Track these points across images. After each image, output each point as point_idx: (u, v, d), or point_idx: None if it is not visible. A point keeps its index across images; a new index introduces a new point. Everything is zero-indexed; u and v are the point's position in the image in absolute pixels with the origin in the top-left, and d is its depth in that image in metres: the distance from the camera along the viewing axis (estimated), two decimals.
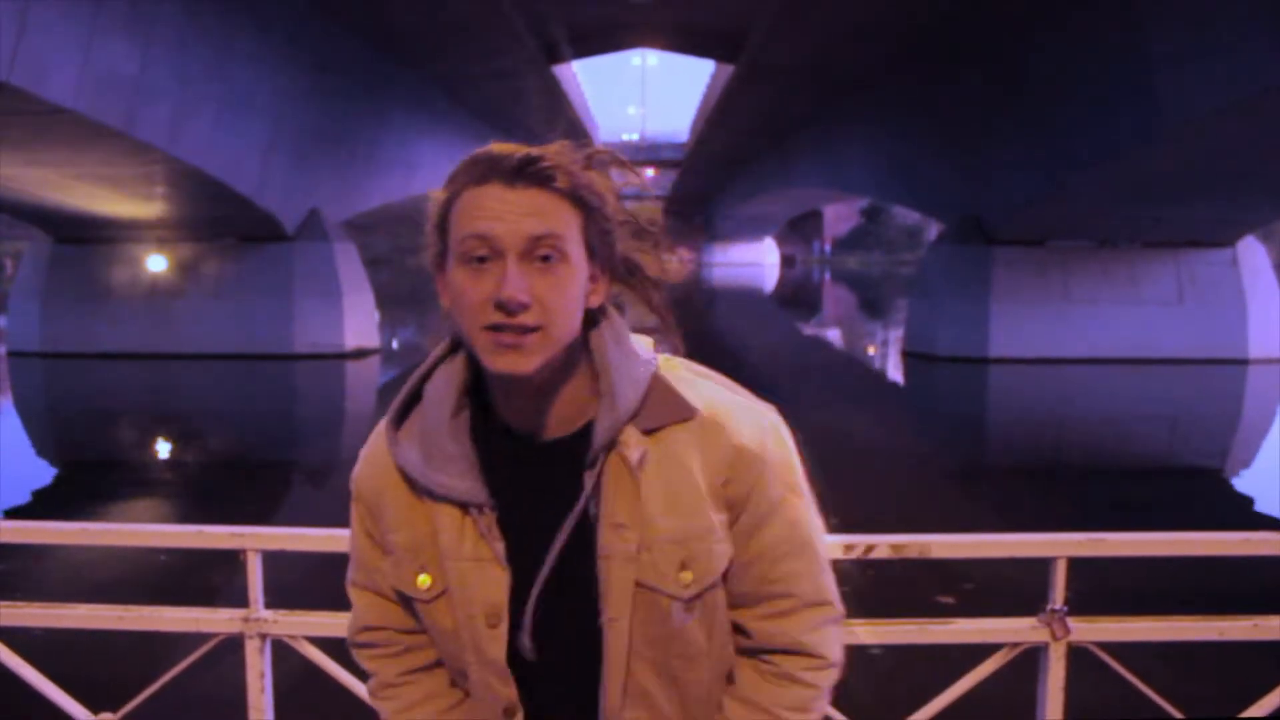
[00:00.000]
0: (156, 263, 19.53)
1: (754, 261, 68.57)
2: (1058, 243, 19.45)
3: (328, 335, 19.24)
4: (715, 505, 1.23)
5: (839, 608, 1.32)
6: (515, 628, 1.23)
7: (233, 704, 2.32)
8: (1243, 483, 10.95)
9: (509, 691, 1.26)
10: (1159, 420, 15.05)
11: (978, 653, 2.24)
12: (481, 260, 1.15)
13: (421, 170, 27.37)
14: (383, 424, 1.32)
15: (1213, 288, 19.28)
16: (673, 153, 61.24)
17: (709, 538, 1.22)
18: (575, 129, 39.68)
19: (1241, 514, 9.13)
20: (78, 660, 3.08)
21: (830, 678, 1.32)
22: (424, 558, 1.25)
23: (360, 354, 19.65)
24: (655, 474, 1.20)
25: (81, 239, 19.51)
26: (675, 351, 1.31)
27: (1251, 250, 19.69)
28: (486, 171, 1.16)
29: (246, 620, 2.23)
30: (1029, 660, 2.25)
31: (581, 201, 1.18)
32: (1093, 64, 15.06)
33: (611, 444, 1.20)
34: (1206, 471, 11.65)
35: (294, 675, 2.43)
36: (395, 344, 24.79)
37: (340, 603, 2.43)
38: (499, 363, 1.15)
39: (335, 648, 2.30)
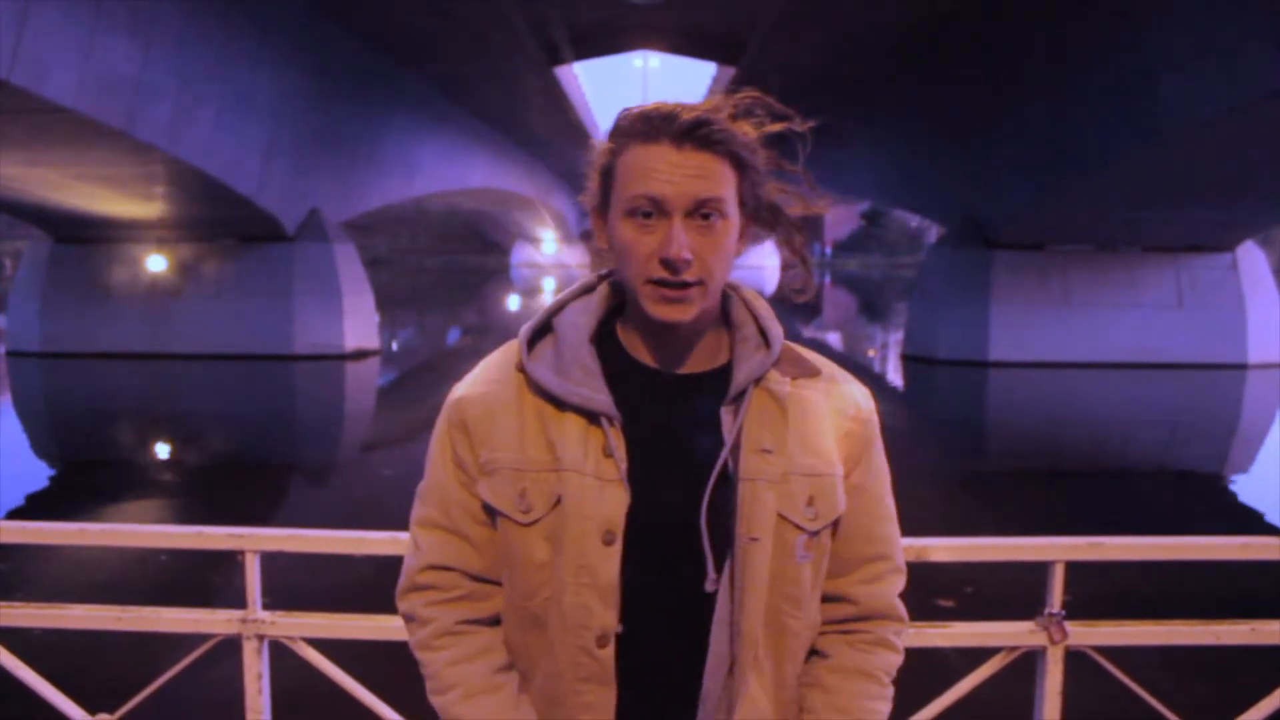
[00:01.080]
0: (156, 263, 19.52)
1: (755, 264, 68.55)
2: (1058, 246, 19.46)
3: (327, 336, 19.23)
4: (839, 443, 1.31)
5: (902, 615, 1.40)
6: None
7: (230, 705, 2.32)
8: (1241, 487, 10.95)
9: (610, 617, 1.24)
10: (1158, 425, 15.05)
11: (976, 656, 2.24)
12: (648, 216, 1.22)
13: (422, 171, 27.37)
14: (499, 353, 1.35)
15: (1212, 292, 19.28)
16: None
17: (834, 478, 1.29)
18: (576, 131, 39.70)
19: (1240, 519, 9.13)
20: (75, 661, 3.08)
21: (901, 649, 1.39)
22: (529, 479, 1.26)
23: (360, 355, 19.64)
24: (795, 412, 1.28)
25: (81, 239, 19.50)
26: (808, 290, 1.39)
27: (1251, 255, 19.69)
28: (657, 130, 1.22)
29: (244, 621, 2.23)
30: (1027, 663, 2.25)
31: (740, 161, 1.25)
32: (1093, 68, 15.07)
33: (759, 380, 1.27)
34: (1205, 476, 11.64)
35: (292, 676, 2.43)
36: (395, 345, 24.80)
37: (337, 605, 2.43)
38: (663, 312, 1.22)
39: (333, 649, 2.31)
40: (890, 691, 1.36)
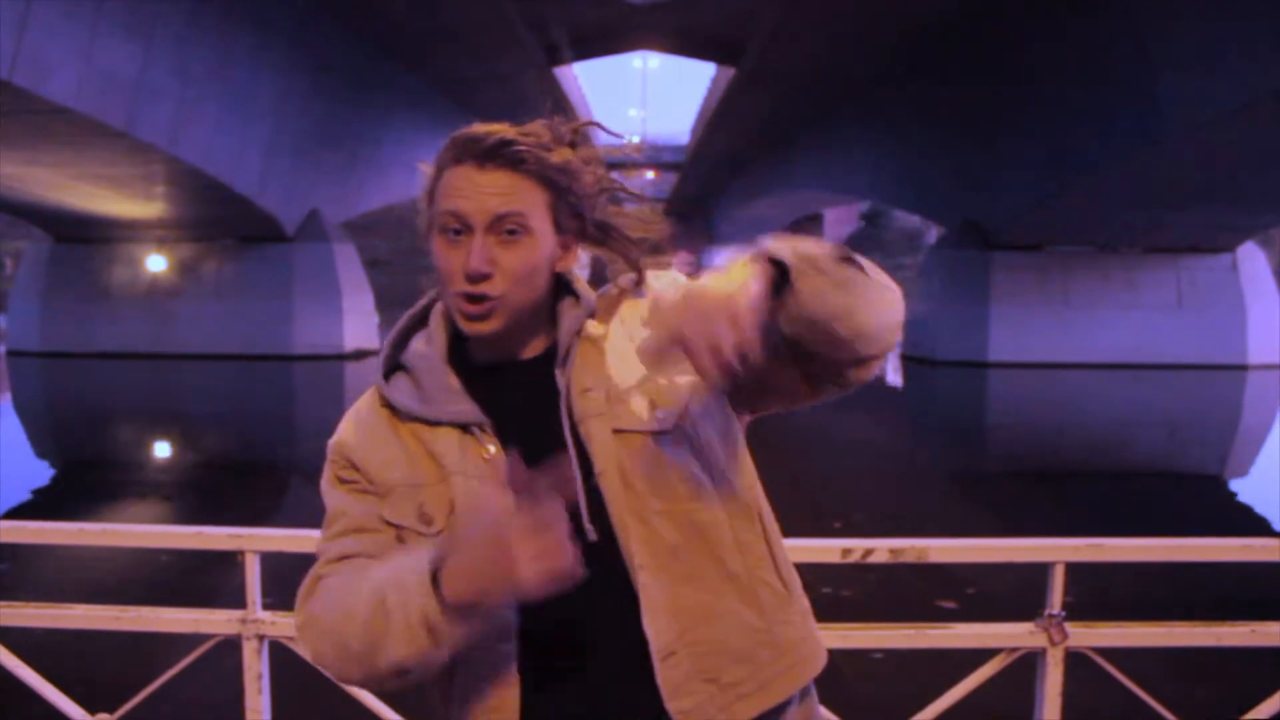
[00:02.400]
0: (156, 263, 19.53)
1: None
2: (1057, 247, 19.46)
3: (327, 336, 19.23)
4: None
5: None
6: None
7: (230, 705, 2.32)
8: (1241, 488, 10.95)
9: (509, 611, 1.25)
10: (1158, 425, 15.05)
11: (977, 657, 2.24)
12: (456, 233, 1.27)
13: (422, 171, 27.33)
14: (362, 399, 1.39)
15: (1212, 293, 19.28)
16: (673, 155, 61.14)
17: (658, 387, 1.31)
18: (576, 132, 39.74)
19: (1240, 519, 9.12)
20: (75, 661, 3.08)
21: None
22: (424, 494, 1.30)
23: (359, 355, 19.63)
24: (615, 341, 1.33)
25: (81, 239, 19.51)
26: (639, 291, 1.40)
27: (1251, 256, 19.70)
28: (462, 153, 1.28)
29: (244, 621, 2.23)
30: (1027, 665, 2.25)
31: (549, 181, 1.29)
32: (1094, 69, 15.07)
33: (578, 333, 1.33)
34: (1205, 477, 11.64)
35: (292, 676, 2.43)
36: None
37: None
38: (469, 327, 1.28)
39: None
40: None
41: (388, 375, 1.36)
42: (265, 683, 2.26)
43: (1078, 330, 19.00)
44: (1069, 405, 16.45)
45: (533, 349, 1.35)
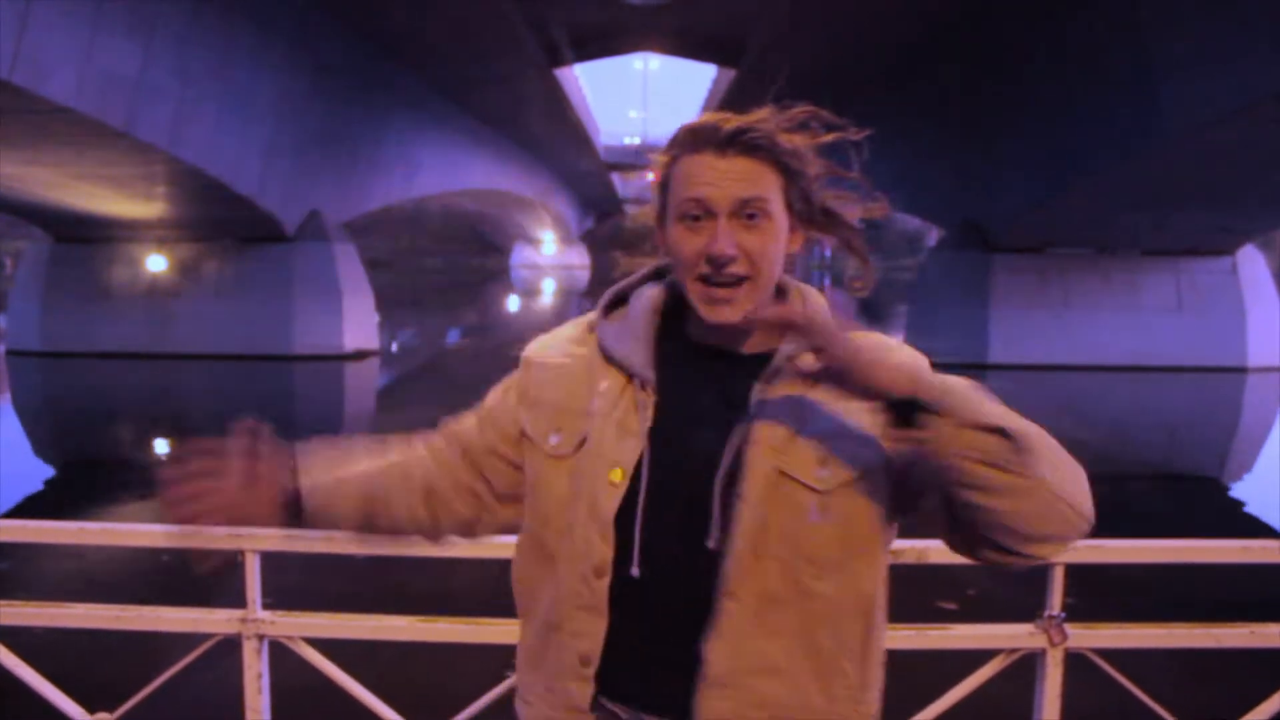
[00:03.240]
0: (156, 263, 19.52)
1: None
2: (1057, 250, 19.46)
3: (327, 337, 19.22)
4: (869, 420, 1.31)
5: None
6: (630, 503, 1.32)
7: (230, 705, 2.32)
8: (1241, 491, 10.95)
9: (606, 550, 1.32)
10: (1158, 428, 15.05)
11: (977, 658, 2.24)
12: (696, 219, 1.32)
13: (422, 172, 27.36)
14: (580, 317, 1.49)
15: (1212, 296, 19.28)
16: None
17: (854, 439, 1.32)
18: (576, 132, 39.62)
19: (1239, 522, 9.13)
20: (75, 660, 3.08)
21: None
22: (564, 420, 1.38)
23: (360, 356, 19.63)
24: (819, 386, 1.31)
25: (81, 239, 19.50)
26: (868, 285, 1.48)
27: (1251, 258, 19.70)
28: (701, 141, 1.33)
29: (244, 621, 2.23)
30: (1027, 666, 2.25)
31: (783, 166, 1.34)
32: (1095, 71, 15.07)
33: (791, 358, 1.34)
34: (1205, 480, 11.65)
35: (292, 676, 2.43)
36: (395, 346, 24.79)
37: (336, 605, 2.43)
38: (711, 314, 1.32)
39: (333, 649, 2.31)
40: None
41: (609, 309, 1.45)
42: (265, 682, 2.26)
43: (1077, 332, 19.00)
44: (1069, 407, 16.45)
45: (754, 344, 1.37)
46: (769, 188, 1.32)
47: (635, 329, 1.39)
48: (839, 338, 1.22)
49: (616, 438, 1.33)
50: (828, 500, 1.31)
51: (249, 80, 16.86)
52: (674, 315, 1.41)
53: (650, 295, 1.42)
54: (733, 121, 1.33)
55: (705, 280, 1.31)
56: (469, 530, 1.53)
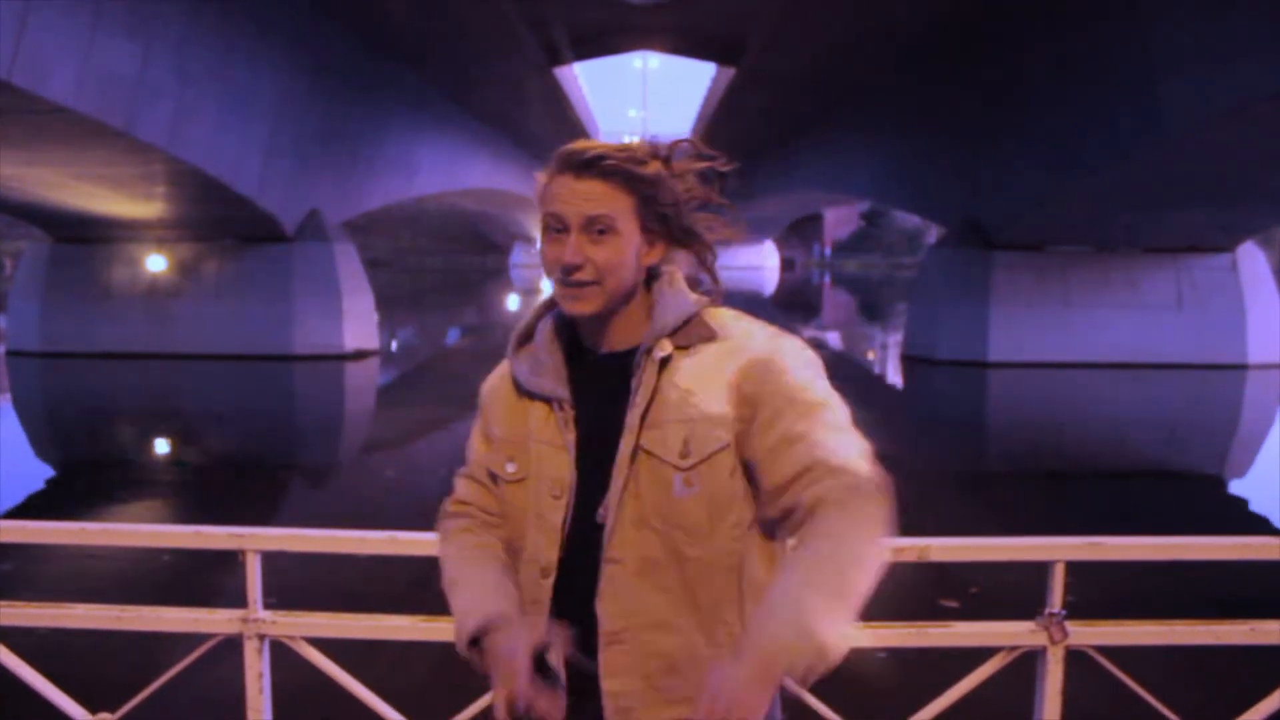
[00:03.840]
0: (156, 263, 19.52)
1: (754, 265, 68.54)
2: (1057, 247, 19.45)
3: (327, 336, 19.22)
4: (730, 401, 1.51)
5: (868, 450, 1.51)
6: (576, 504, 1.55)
7: (231, 705, 2.32)
8: (1241, 488, 10.96)
9: (552, 554, 1.55)
10: (1158, 425, 15.06)
11: (979, 656, 2.24)
12: (557, 231, 1.53)
13: (422, 171, 27.36)
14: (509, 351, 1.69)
15: (1212, 293, 19.27)
16: None
17: (710, 423, 1.50)
18: (576, 131, 39.70)
19: (1239, 519, 9.13)
20: (77, 660, 3.08)
21: (877, 502, 1.44)
22: (514, 449, 1.61)
23: (360, 355, 19.64)
24: (680, 375, 1.53)
25: (81, 239, 19.50)
26: (717, 301, 1.64)
27: (1251, 255, 19.69)
28: (565, 165, 1.53)
29: (245, 621, 2.23)
30: (1028, 664, 2.25)
31: (635, 189, 1.52)
32: (1095, 69, 15.07)
33: (649, 351, 1.54)
34: (1205, 477, 11.66)
35: (293, 676, 2.43)
36: (395, 345, 24.80)
37: (338, 604, 2.43)
38: (567, 306, 1.55)
39: (334, 648, 2.31)
40: (856, 538, 1.40)
41: (520, 345, 1.65)
42: (266, 682, 2.26)
43: (1078, 330, 18.99)
44: (1069, 405, 16.46)
45: (623, 342, 1.58)
46: (617, 207, 1.51)
47: (543, 357, 1.60)
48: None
49: (551, 455, 1.56)
50: (691, 475, 1.50)
51: (249, 80, 16.87)
52: (575, 334, 1.62)
53: (547, 325, 1.62)
54: (596, 149, 1.51)
55: (562, 283, 1.52)
56: None
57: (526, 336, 1.65)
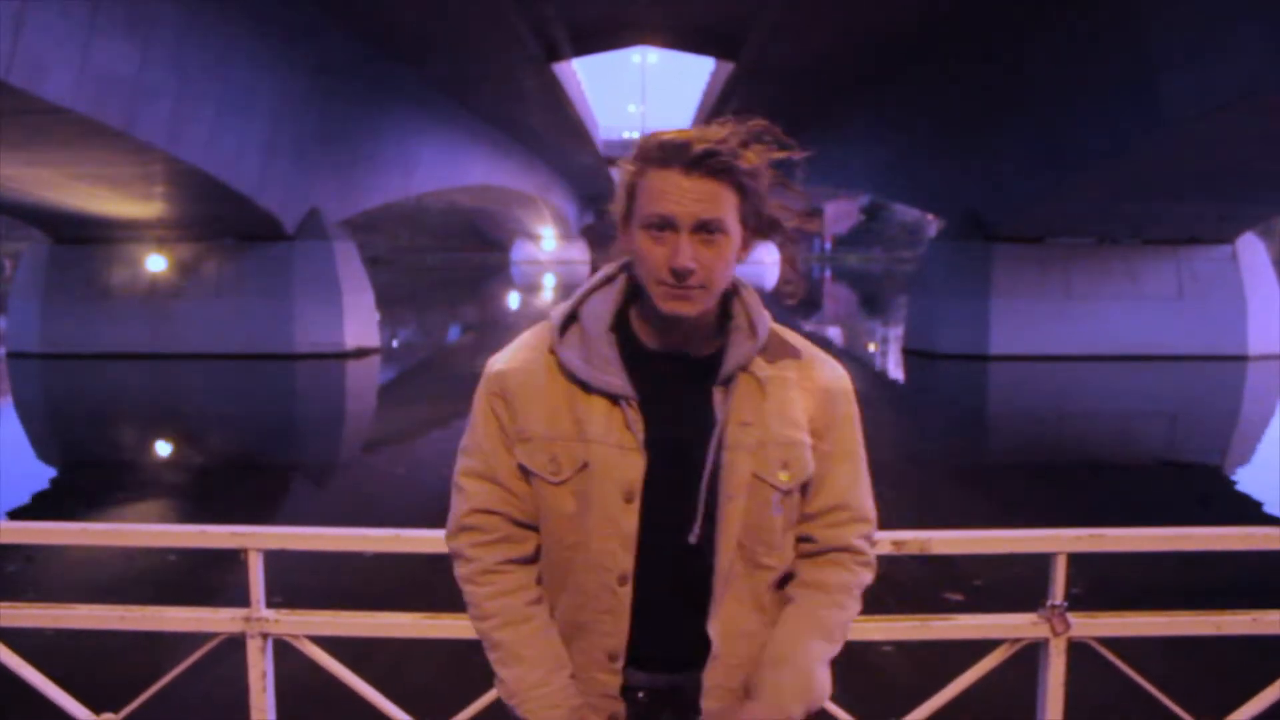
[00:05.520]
0: (156, 263, 19.51)
1: (755, 259, 68.30)
2: (1058, 240, 19.43)
3: (328, 335, 19.22)
4: (809, 427, 1.57)
5: (874, 525, 1.65)
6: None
7: (235, 703, 2.32)
8: (1242, 478, 10.96)
9: (628, 561, 1.51)
10: (1159, 416, 15.05)
11: (984, 648, 2.24)
12: (660, 229, 1.46)
13: (421, 169, 27.33)
14: (533, 334, 1.61)
15: (1212, 284, 19.26)
16: None
17: (803, 448, 1.55)
18: (575, 127, 39.49)
19: (1241, 509, 9.13)
20: (80, 661, 3.08)
21: (867, 575, 1.63)
22: (558, 447, 1.52)
23: (360, 353, 19.64)
24: (774, 393, 1.54)
25: (81, 239, 19.49)
26: (798, 293, 1.72)
27: (1251, 247, 19.68)
28: (671, 158, 1.46)
29: (248, 620, 2.24)
30: (1032, 655, 2.25)
31: (741, 186, 1.48)
32: (1094, 62, 15.05)
33: (744, 367, 1.53)
34: (1206, 467, 11.65)
35: (297, 674, 2.44)
36: (395, 343, 24.78)
37: (341, 603, 2.44)
38: (671, 307, 1.48)
39: (337, 647, 2.31)
40: (848, 602, 1.60)
41: (564, 328, 1.56)
42: (270, 681, 2.27)
43: (1079, 322, 18.98)
44: (1070, 397, 16.46)
45: (701, 348, 1.55)
46: (727, 208, 1.46)
47: (599, 349, 1.52)
48: None
49: (619, 457, 1.50)
50: (785, 497, 1.55)
51: (247, 79, 16.85)
52: (620, 325, 1.56)
53: (601, 314, 1.55)
54: (700, 143, 1.44)
55: (670, 286, 1.46)
56: None
57: (571, 321, 1.57)
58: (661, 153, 1.46)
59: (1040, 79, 16.67)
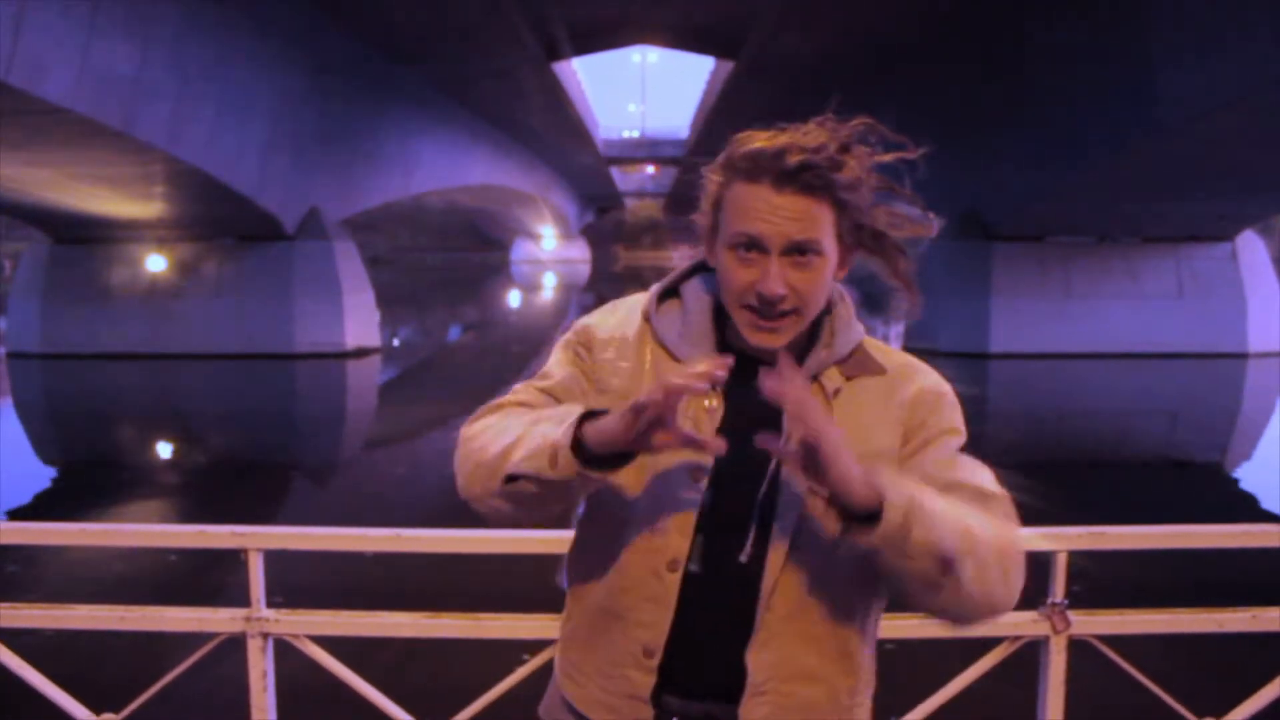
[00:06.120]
0: (156, 263, 19.52)
1: None
2: (1058, 238, 19.45)
3: (328, 334, 19.23)
4: (899, 432, 1.40)
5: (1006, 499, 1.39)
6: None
7: (236, 703, 2.32)
8: (1242, 476, 10.96)
9: (684, 545, 1.37)
10: (1159, 414, 15.06)
11: (985, 646, 2.24)
12: (748, 249, 1.32)
13: (421, 168, 27.33)
14: (628, 300, 1.51)
15: (1212, 282, 19.28)
16: (673, 149, 61.09)
17: (880, 459, 1.34)
18: (575, 126, 39.52)
19: (1240, 506, 9.13)
20: (80, 661, 3.08)
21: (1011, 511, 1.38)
22: None
23: (361, 353, 19.64)
24: (844, 407, 1.39)
25: (81, 239, 19.49)
26: (912, 311, 1.49)
27: (1251, 244, 19.69)
28: (761, 171, 1.31)
29: (248, 620, 2.23)
30: (1032, 653, 2.25)
31: (840, 202, 1.33)
32: (1094, 60, 15.05)
33: (815, 376, 1.40)
34: (1206, 465, 11.65)
35: (297, 674, 2.44)
36: (396, 343, 24.79)
37: (341, 602, 2.44)
38: (755, 339, 1.35)
39: (337, 646, 2.31)
40: (987, 508, 1.34)
41: (661, 298, 1.46)
42: (270, 681, 2.26)
43: (1079, 320, 19.00)
44: (1071, 395, 16.46)
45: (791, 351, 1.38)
46: (822, 228, 1.32)
47: (695, 330, 1.42)
48: (822, 427, 1.21)
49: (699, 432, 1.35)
50: None
51: (247, 79, 16.85)
52: (718, 312, 1.44)
53: (705, 299, 1.44)
54: (795, 153, 1.29)
55: (752, 309, 1.33)
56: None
57: (670, 295, 1.47)
58: (750, 164, 1.32)
59: (1041, 78, 16.67)
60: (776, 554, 1.36)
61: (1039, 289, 19.10)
